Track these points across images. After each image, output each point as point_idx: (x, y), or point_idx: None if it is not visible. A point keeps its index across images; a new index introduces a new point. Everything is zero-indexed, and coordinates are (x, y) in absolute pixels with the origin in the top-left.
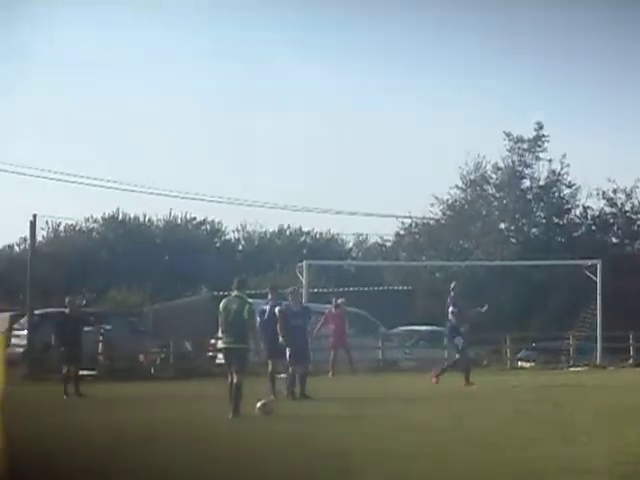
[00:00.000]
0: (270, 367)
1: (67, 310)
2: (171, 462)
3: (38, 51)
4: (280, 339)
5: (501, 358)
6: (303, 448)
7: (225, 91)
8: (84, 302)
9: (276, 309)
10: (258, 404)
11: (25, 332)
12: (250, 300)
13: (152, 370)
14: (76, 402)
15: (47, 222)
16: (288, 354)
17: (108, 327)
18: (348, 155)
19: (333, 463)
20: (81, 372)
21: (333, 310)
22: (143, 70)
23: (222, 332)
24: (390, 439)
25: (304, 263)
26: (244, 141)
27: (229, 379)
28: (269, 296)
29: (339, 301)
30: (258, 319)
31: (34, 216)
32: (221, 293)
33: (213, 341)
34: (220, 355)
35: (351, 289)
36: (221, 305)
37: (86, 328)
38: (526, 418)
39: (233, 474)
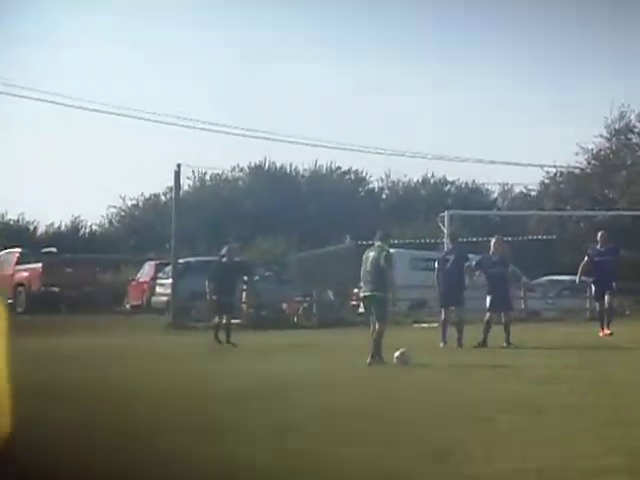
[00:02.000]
0: (443, 315)
1: (224, 258)
2: (303, 408)
3: None
4: (461, 288)
5: None
6: (432, 397)
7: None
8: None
9: (473, 262)
10: (396, 353)
11: (170, 281)
12: (389, 248)
13: (295, 319)
14: (225, 350)
15: (193, 172)
16: (488, 302)
17: (257, 277)
18: (492, 104)
19: (464, 412)
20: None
21: None
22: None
23: (362, 281)
24: (525, 390)
25: (446, 213)
26: (388, 90)
27: (371, 328)
28: (449, 245)
29: None
30: (437, 266)
31: (178, 165)
32: (365, 242)
33: (356, 290)
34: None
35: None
36: (364, 256)
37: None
38: None
39: (361, 420)
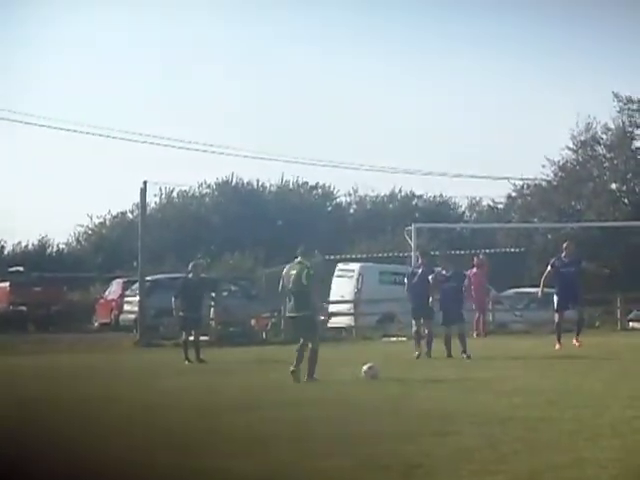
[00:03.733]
0: (414, 327)
1: (190, 275)
2: (271, 424)
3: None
4: (429, 301)
5: (613, 319)
6: (400, 410)
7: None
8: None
9: (430, 276)
10: (364, 367)
11: (137, 298)
12: (310, 265)
13: (264, 335)
14: (193, 367)
15: (160, 188)
16: (442, 316)
17: (225, 293)
18: (460, 119)
19: (431, 425)
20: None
21: (475, 270)
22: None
23: (287, 300)
24: (492, 402)
25: (413, 226)
26: (354, 104)
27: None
28: (419, 260)
29: (481, 257)
30: (406, 281)
31: (144, 183)
32: (332, 257)
33: (324, 305)
34: (333, 320)
35: (463, 252)
36: (283, 272)
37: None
38: (630, 378)
39: (328, 435)
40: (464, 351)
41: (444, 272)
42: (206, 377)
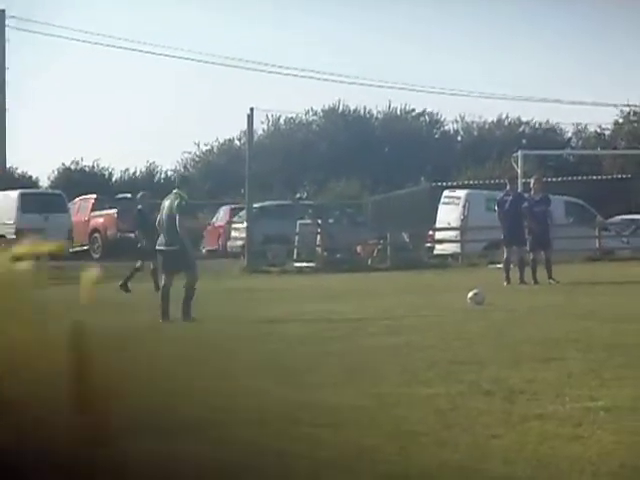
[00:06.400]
0: (505, 255)
1: (139, 206)
2: (371, 350)
3: None
4: (522, 229)
5: None
6: (504, 336)
7: None
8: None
9: (524, 204)
10: (470, 294)
11: (245, 225)
12: (185, 196)
13: (369, 261)
14: (299, 294)
15: (267, 116)
16: (529, 242)
17: (331, 220)
18: (567, 43)
19: (535, 351)
20: (300, 264)
21: None
22: None
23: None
24: (597, 329)
25: (519, 153)
26: (460, 29)
27: (161, 282)
28: (507, 187)
29: None
30: (497, 208)
31: (251, 109)
32: (439, 184)
33: (431, 232)
34: (438, 246)
35: (569, 179)
36: (161, 205)
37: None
38: None
39: (430, 361)
40: (550, 277)
41: (534, 196)
42: (307, 304)
